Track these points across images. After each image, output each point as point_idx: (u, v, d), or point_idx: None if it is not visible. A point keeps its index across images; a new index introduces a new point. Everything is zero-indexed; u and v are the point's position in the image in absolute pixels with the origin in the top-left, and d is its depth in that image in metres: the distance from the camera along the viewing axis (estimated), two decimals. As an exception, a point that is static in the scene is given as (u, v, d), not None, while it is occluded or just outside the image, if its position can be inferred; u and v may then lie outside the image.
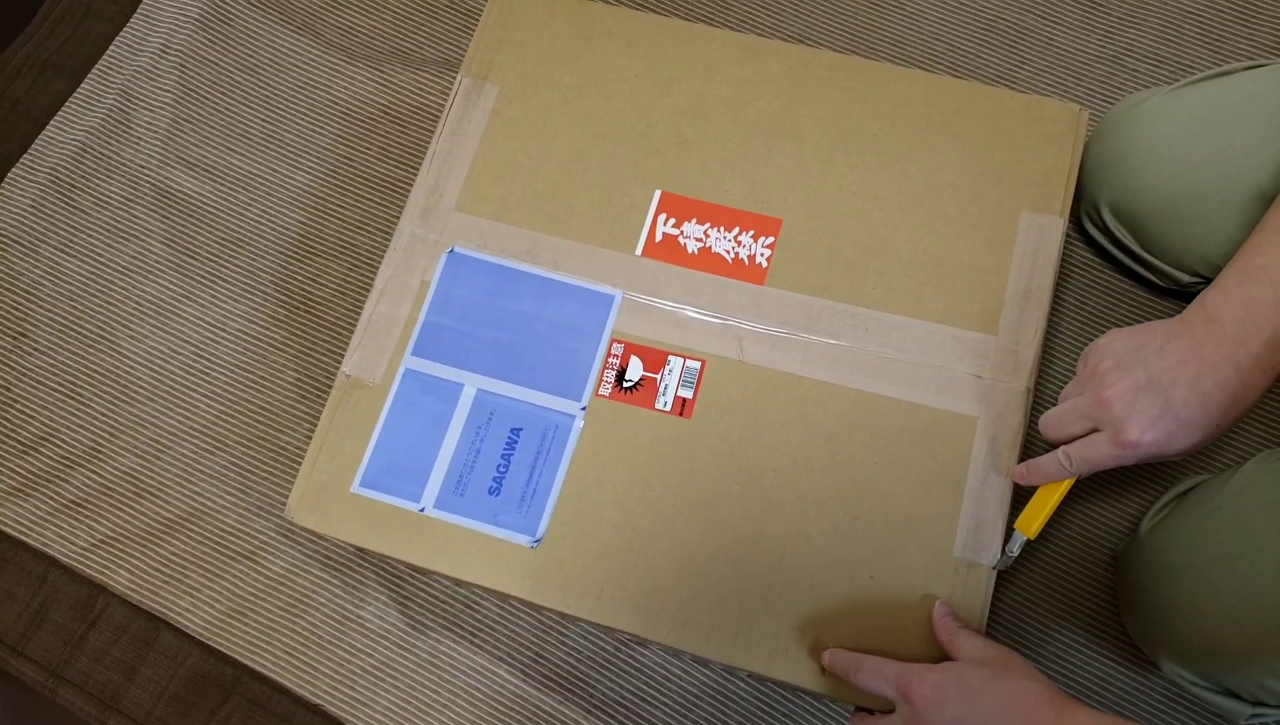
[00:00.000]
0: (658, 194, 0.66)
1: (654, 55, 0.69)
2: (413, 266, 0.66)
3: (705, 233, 0.65)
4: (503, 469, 0.61)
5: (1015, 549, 0.56)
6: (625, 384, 0.62)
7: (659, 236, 0.65)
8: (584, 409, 0.62)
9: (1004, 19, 0.79)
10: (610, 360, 0.63)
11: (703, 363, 0.62)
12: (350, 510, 0.61)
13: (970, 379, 0.60)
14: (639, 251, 0.65)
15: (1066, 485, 0.55)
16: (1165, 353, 0.50)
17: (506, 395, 0.63)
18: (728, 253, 0.64)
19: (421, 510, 0.61)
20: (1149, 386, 0.49)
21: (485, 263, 0.65)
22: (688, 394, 0.62)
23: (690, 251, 0.65)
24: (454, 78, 0.68)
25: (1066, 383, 0.58)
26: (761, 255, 0.64)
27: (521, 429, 0.62)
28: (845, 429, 0.60)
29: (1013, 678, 0.48)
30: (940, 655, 0.54)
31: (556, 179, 0.67)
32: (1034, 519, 0.56)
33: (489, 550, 0.60)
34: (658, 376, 0.62)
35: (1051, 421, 0.54)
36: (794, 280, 0.63)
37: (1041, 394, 0.72)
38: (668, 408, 0.61)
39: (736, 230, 0.65)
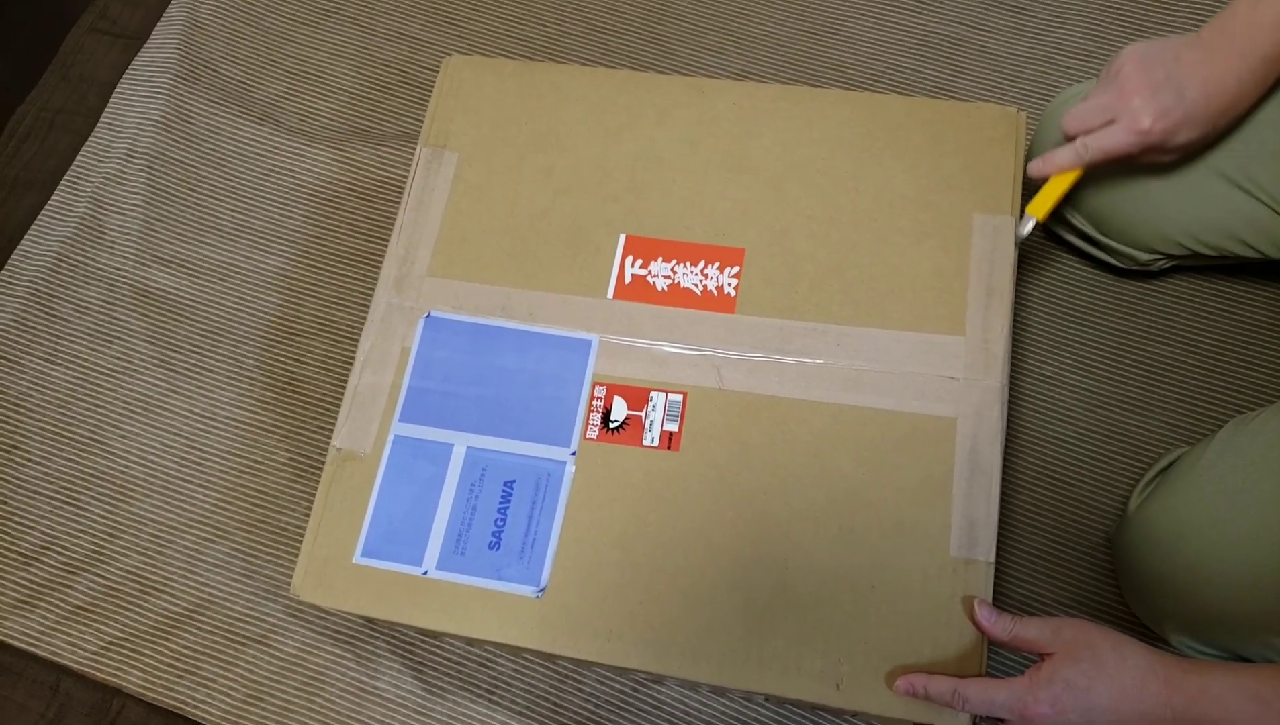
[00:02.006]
0: (622, 238, 0.68)
1: (604, 106, 0.71)
2: (392, 335, 0.67)
3: (672, 270, 0.67)
4: (500, 523, 0.62)
5: (1026, 230, 0.64)
6: (611, 424, 0.63)
7: (628, 278, 0.67)
8: (574, 454, 0.63)
9: (936, 32, 0.82)
10: (594, 403, 0.64)
11: (684, 395, 0.63)
12: (354, 582, 0.61)
13: (944, 381, 0.62)
14: (610, 295, 0.66)
15: (1075, 175, 0.63)
16: (1181, 60, 0.59)
17: (497, 450, 0.64)
18: (696, 286, 0.66)
19: (425, 573, 0.61)
20: (1166, 83, 0.58)
21: (462, 323, 0.67)
22: (673, 427, 0.63)
23: (660, 289, 0.66)
24: (414, 149, 0.70)
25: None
26: (729, 285, 0.66)
27: (515, 481, 0.63)
28: (829, 443, 0.61)
29: (1110, 660, 0.48)
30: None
31: (523, 234, 0.68)
32: (1045, 203, 0.64)
33: (495, 605, 0.60)
34: (642, 413, 0.63)
35: (1075, 116, 0.62)
36: (763, 305, 0.65)
37: (1017, 388, 0.74)
38: (655, 443, 0.63)
39: (702, 264, 0.66)
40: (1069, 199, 0.67)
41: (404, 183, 0.84)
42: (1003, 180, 0.65)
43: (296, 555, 0.74)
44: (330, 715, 0.70)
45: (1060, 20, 0.82)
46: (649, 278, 0.67)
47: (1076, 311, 0.76)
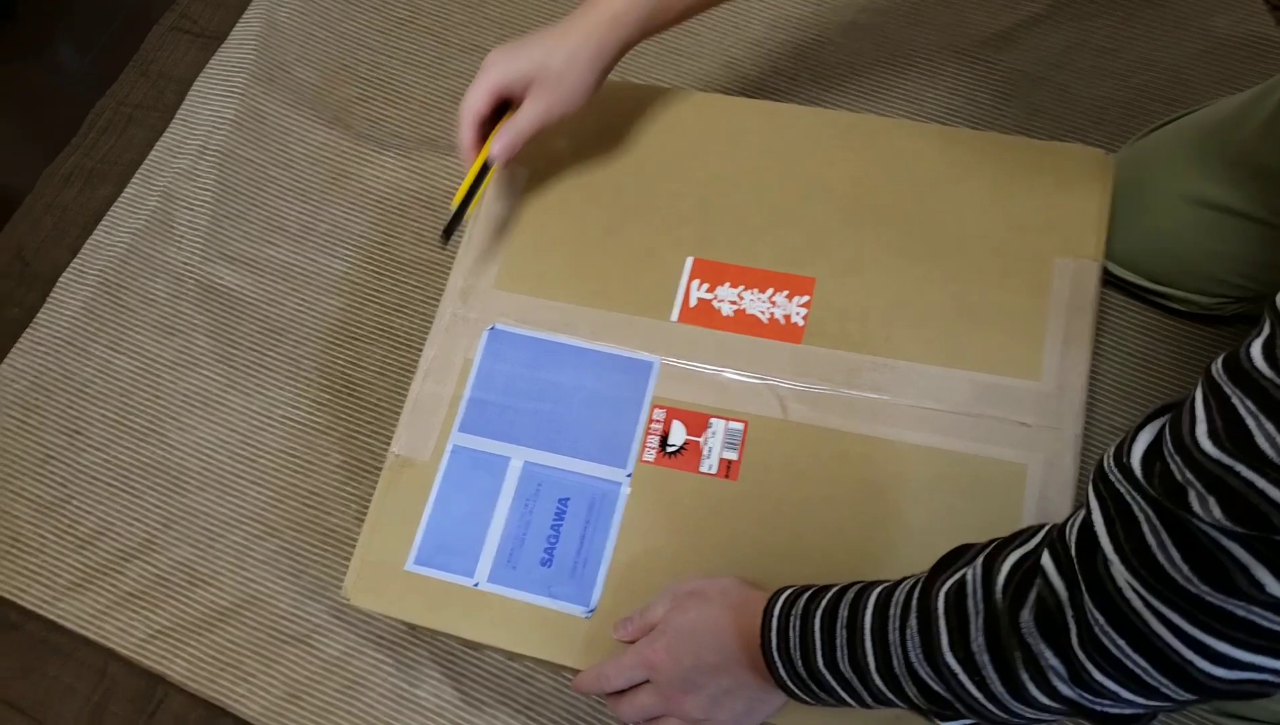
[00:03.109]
0: (690, 261, 0.67)
1: (677, 127, 0.71)
2: (455, 345, 0.67)
3: (739, 295, 0.66)
4: (553, 540, 0.62)
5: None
6: (669, 449, 0.63)
7: (694, 302, 0.66)
8: (629, 476, 0.62)
9: (1017, 70, 0.81)
10: (653, 426, 0.63)
11: (745, 423, 0.63)
12: (406, 589, 0.61)
13: (1016, 427, 0.60)
14: (675, 317, 0.66)
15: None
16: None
17: (553, 466, 0.63)
18: (763, 313, 0.65)
19: (475, 585, 0.61)
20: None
21: (526, 337, 0.67)
22: (732, 456, 0.62)
23: (725, 314, 0.66)
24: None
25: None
26: (797, 314, 0.65)
27: (569, 499, 0.63)
28: (893, 483, 0.60)
29: (714, 600, 0.54)
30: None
31: (590, 253, 0.68)
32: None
33: (544, 622, 0.60)
34: (701, 439, 0.63)
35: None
36: (831, 337, 0.64)
37: (1088, 438, 0.72)
38: (713, 470, 0.62)
39: (770, 291, 0.66)
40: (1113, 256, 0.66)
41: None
42: (1087, 223, 0.63)
43: (344, 557, 0.74)
44: (368, 720, 0.70)
45: (1147, 65, 0.80)
46: (714, 302, 0.66)
47: (1148, 359, 0.74)
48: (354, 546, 0.74)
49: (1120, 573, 0.35)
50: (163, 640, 0.74)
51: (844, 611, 0.47)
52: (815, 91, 0.85)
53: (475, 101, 0.62)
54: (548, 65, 0.60)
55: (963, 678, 0.40)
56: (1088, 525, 0.37)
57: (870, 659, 0.45)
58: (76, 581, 0.76)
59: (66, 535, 0.78)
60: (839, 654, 0.46)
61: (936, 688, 0.42)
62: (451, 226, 0.64)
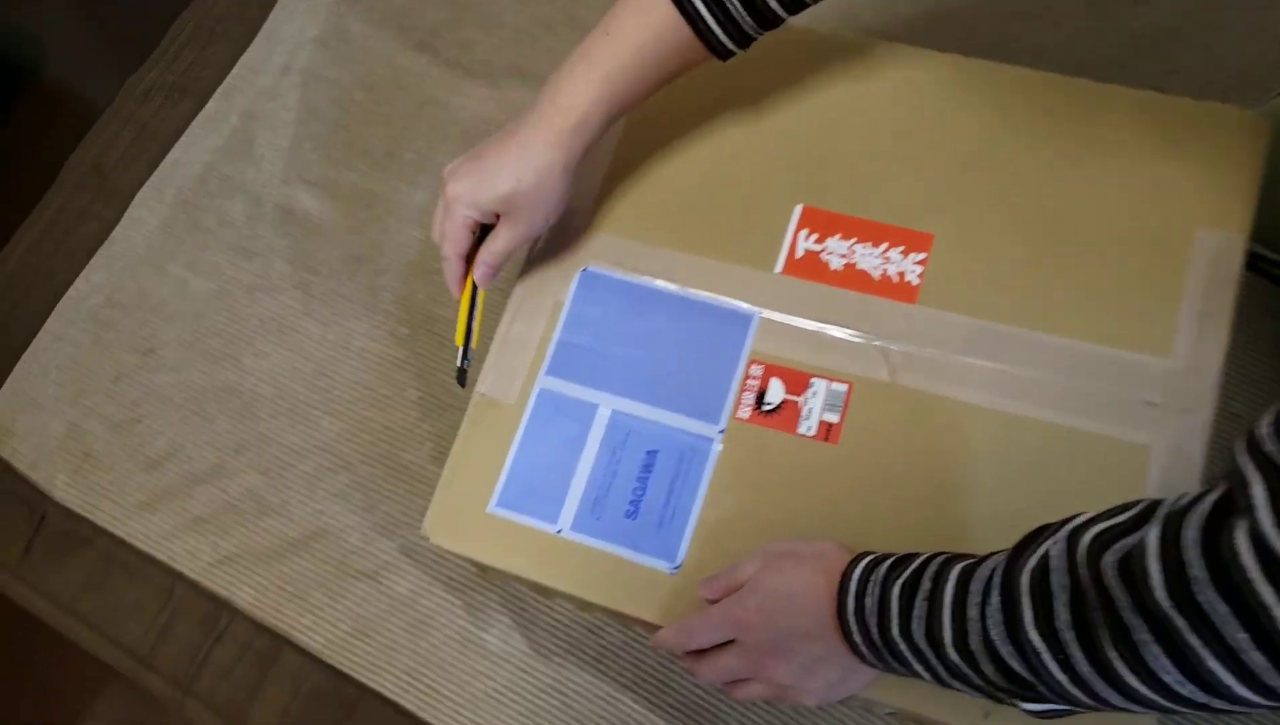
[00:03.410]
0: (799, 209, 0.63)
1: (791, 66, 0.67)
2: (545, 287, 0.64)
3: (850, 249, 0.62)
4: (639, 492, 0.59)
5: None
6: (765, 407, 0.60)
7: (800, 253, 0.63)
8: (722, 432, 0.60)
9: (1155, 25, 0.75)
10: (749, 382, 0.60)
11: (849, 385, 0.59)
12: (487, 531, 0.59)
13: (1142, 406, 0.56)
14: (779, 269, 0.62)
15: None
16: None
17: (642, 416, 0.61)
18: (875, 270, 0.61)
19: (559, 532, 0.59)
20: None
21: (619, 281, 0.64)
22: (833, 418, 0.59)
23: (834, 268, 0.62)
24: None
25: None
26: (912, 272, 0.61)
27: (658, 452, 0.60)
28: (1005, 457, 0.56)
29: (809, 560, 0.52)
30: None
31: (691, 196, 0.65)
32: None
33: (627, 575, 0.58)
34: (800, 399, 0.60)
35: None
36: (948, 299, 0.60)
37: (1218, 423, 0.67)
38: (812, 432, 0.59)
39: (884, 246, 0.62)
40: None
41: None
42: (1235, 193, 0.58)
43: (417, 495, 0.73)
44: (434, 661, 0.69)
45: (1299, 23, 0.74)
46: (823, 255, 0.62)
47: (1272, 343, 0.69)
48: (428, 485, 0.73)
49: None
50: (230, 566, 0.73)
51: (926, 583, 0.45)
52: (937, 42, 0.80)
53: (458, 239, 0.59)
54: (518, 191, 0.57)
55: (1045, 656, 0.39)
56: (1226, 501, 0.34)
57: (947, 633, 0.43)
58: (146, 501, 0.76)
59: (137, 455, 0.77)
60: (915, 625, 0.45)
61: (1017, 667, 0.40)
62: (464, 367, 0.62)
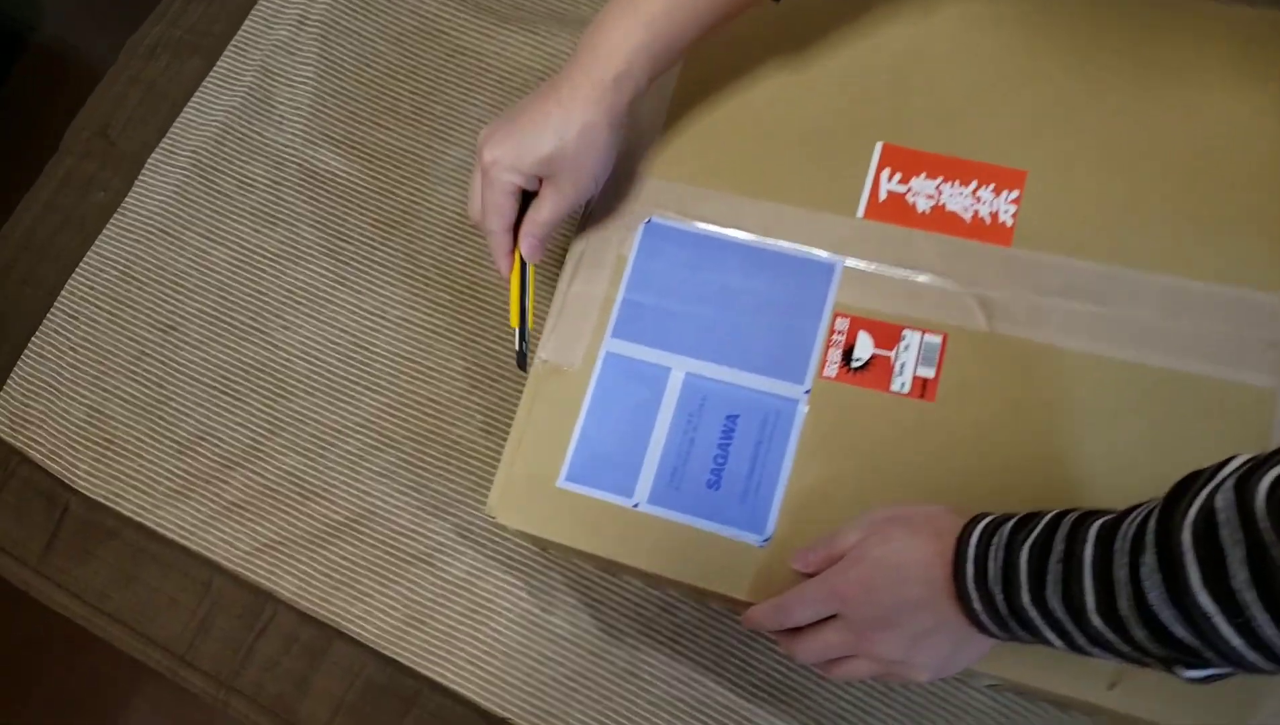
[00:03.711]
0: (879, 147, 0.58)
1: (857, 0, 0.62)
2: (607, 240, 0.59)
3: (937, 189, 0.57)
4: (721, 460, 0.55)
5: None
6: (854, 364, 0.55)
7: (883, 195, 0.58)
8: (807, 393, 0.55)
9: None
10: (834, 337, 0.56)
11: (944, 336, 0.55)
12: (556, 506, 0.55)
13: (1265, 347, 0.52)
14: (860, 213, 0.58)
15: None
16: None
17: (719, 379, 0.56)
18: (965, 211, 0.57)
19: (635, 506, 0.55)
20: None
21: (687, 233, 0.59)
22: (928, 373, 0.54)
23: (921, 211, 0.57)
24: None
25: None
26: (1006, 212, 0.56)
27: (738, 416, 0.55)
28: (1117, 408, 0.52)
29: (923, 528, 0.48)
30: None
31: (761, 136, 0.60)
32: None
33: (713, 550, 0.53)
34: (891, 354, 0.55)
35: None
36: (1046, 240, 0.55)
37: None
38: (905, 389, 0.54)
39: (974, 184, 0.57)
40: None
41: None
42: (1366, 112, 0.54)
43: (469, 471, 0.68)
44: (497, 646, 0.64)
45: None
46: (908, 196, 0.58)
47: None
48: (480, 460, 0.69)
49: None
50: (270, 554, 0.69)
51: (1059, 544, 0.41)
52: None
53: (502, 210, 0.55)
54: (563, 151, 0.52)
55: (1218, 619, 0.34)
56: None
57: (1089, 598, 0.39)
58: (177, 489, 0.71)
59: (164, 439, 0.72)
60: (1049, 591, 0.41)
61: (1180, 633, 0.36)
62: (523, 350, 0.58)
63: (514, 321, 0.58)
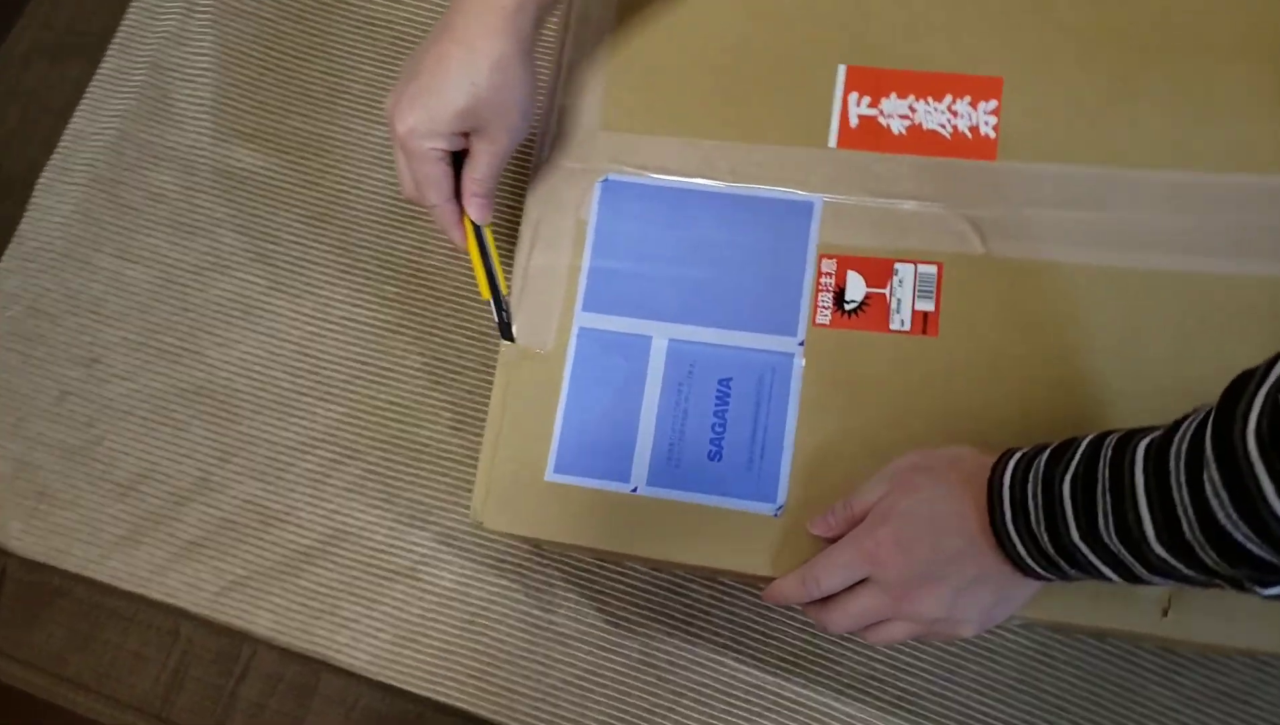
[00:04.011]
0: (842, 70, 0.54)
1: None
2: (563, 205, 0.54)
3: (910, 108, 0.53)
4: (719, 429, 0.51)
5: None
6: (847, 306, 0.51)
7: (854, 121, 0.53)
8: (802, 344, 0.51)
9: None
10: (823, 280, 0.52)
11: (939, 266, 0.51)
12: (548, 503, 0.50)
13: (1277, 233, 0.49)
14: (833, 143, 0.53)
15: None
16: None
17: (705, 341, 0.52)
18: (943, 127, 0.53)
19: (634, 491, 0.50)
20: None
21: (649, 187, 0.54)
22: (928, 306, 0.51)
23: (896, 133, 0.53)
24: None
25: None
26: (986, 124, 0.52)
27: (731, 378, 0.51)
28: (1133, 318, 0.49)
29: (949, 473, 0.45)
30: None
31: (715, 72, 0.55)
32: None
33: (726, 527, 0.49)
34: (886, 291, 0.51)
35: None
36: (1032, 148, 0.52)
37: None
38: (906, 326, 0.50)
39: (949, 98, 0.53)
40: None
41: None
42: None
43: (443, 474, 0.63)
44: (500, 655, 0.60)
45: None
46: (881, 119, 0.53)
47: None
48: (453, 461, 0.63)
49: None
50: (240, 591, 0.63)
51: (1103, 472, 0.37)
52: None
53: (436, 180, 0.49)
54: (478, 98, 0.47)
55: None
56: None
57: (1148, 527, 0.36)
58: (125, 535, 0.65)
59: (103, 483, 0.66)
60: (1101, 524, 0.37)
61: (1258, 551, 0.33)
62: (505, 319, 0.53)
63: (485, 293, 0.53)
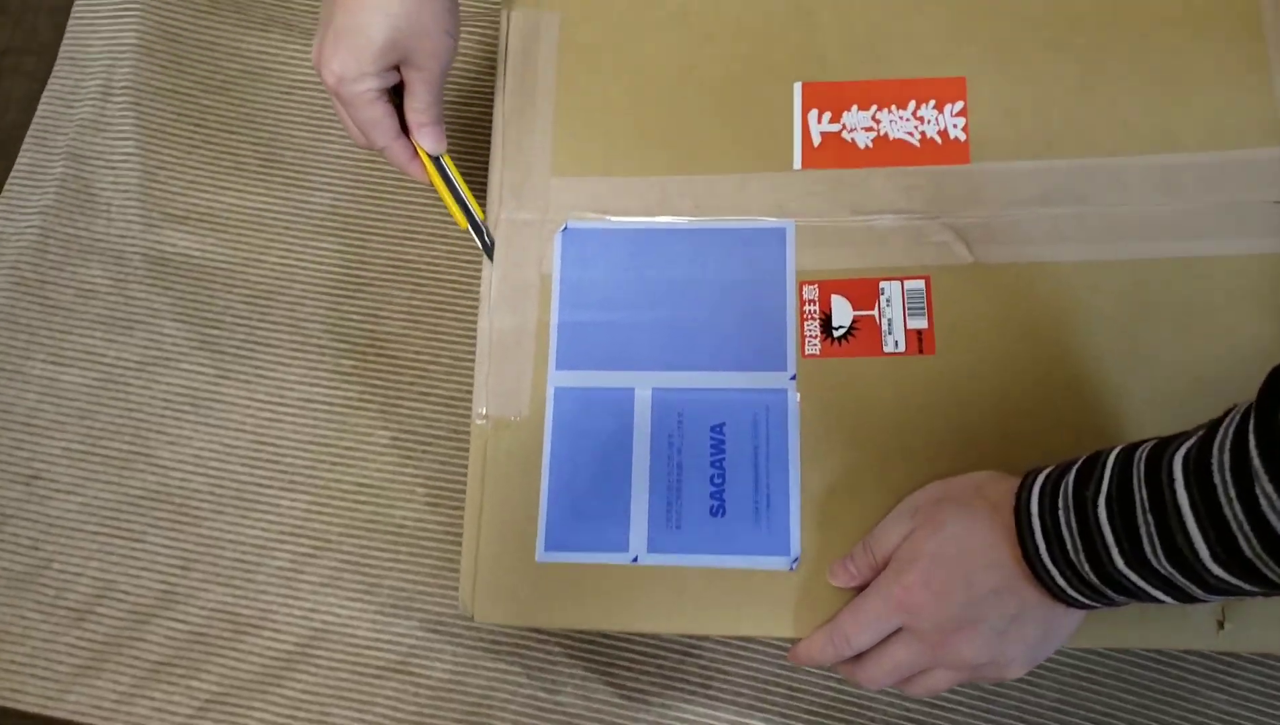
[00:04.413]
0: (798, 87, 0.51)
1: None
2: (522, 260, 0.51)
3: (874, 119, 0.51)
4: (718, 481, 0.47)
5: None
6: (835, 332, 0.48)
7: (816, 139, 0.51)
8: (794, 378, 0.48)
9: None
10: (806, 308, 0.49)
11: (926, 280, 0.48)
12: (543, 586, 0.47)
13: (1270, 207, 0.47)
14: (797, 165, 0.51)
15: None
16: None
17: (691, 387, 0.48)
18: (912, 135, 0.50)
19: (635, 561, 0.46)
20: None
21: (611, 231, 0.51)
22: (921, 323, 0.48)
23: (862, 146, 0.50)
24: (487, 25, 0.53)
25: None
26: (955, 127, 0.50)
27: (724, 424, 0.48)
28: (1134, 312, 0.46)
29: (977, 505, 0.41)
30: None
31: (666, 104, 0.52)
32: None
33: (737, 588, 0.46)
34: (874, 312, 0.48)
35: None
36: (1006, 147, 0.49)
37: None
38: (901, 347, 0.48)
39: (913, 104, 0.50)
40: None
41: (466, 75, 0.67)
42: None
43: (424, 554, 0.59)
44: (506, 747, 0.56)
45: None
46: (845, 134, 0.51)
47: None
48: (434, 541, 0.59)
49: None
50: (218, 710, 0.58)
51: (1140, 489, 0.34)
52: None
53: (379, 121, 0.49)
54: (399, 28, 0.46)
55: None
56: None
57: (1201, 548, 0.33)
58: (85, 664, 0.60)
59: (56, 609, 0.61)
60: (1147, 548, 0.34)
61: None
62: (487, 241, 0.51)
63: (461, 222, 0.51)
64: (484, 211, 0.52)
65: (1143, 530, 0.34)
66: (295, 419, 0.62)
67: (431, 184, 0.51)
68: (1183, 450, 0.34)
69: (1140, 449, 0.36)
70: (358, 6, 0.45)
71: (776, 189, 0.50)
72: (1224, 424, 0.33)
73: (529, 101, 0.53)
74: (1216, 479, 0.32)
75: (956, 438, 0.46)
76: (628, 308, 0.50)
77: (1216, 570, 0.33)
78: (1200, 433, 0.34)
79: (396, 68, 0.48)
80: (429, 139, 0.50)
